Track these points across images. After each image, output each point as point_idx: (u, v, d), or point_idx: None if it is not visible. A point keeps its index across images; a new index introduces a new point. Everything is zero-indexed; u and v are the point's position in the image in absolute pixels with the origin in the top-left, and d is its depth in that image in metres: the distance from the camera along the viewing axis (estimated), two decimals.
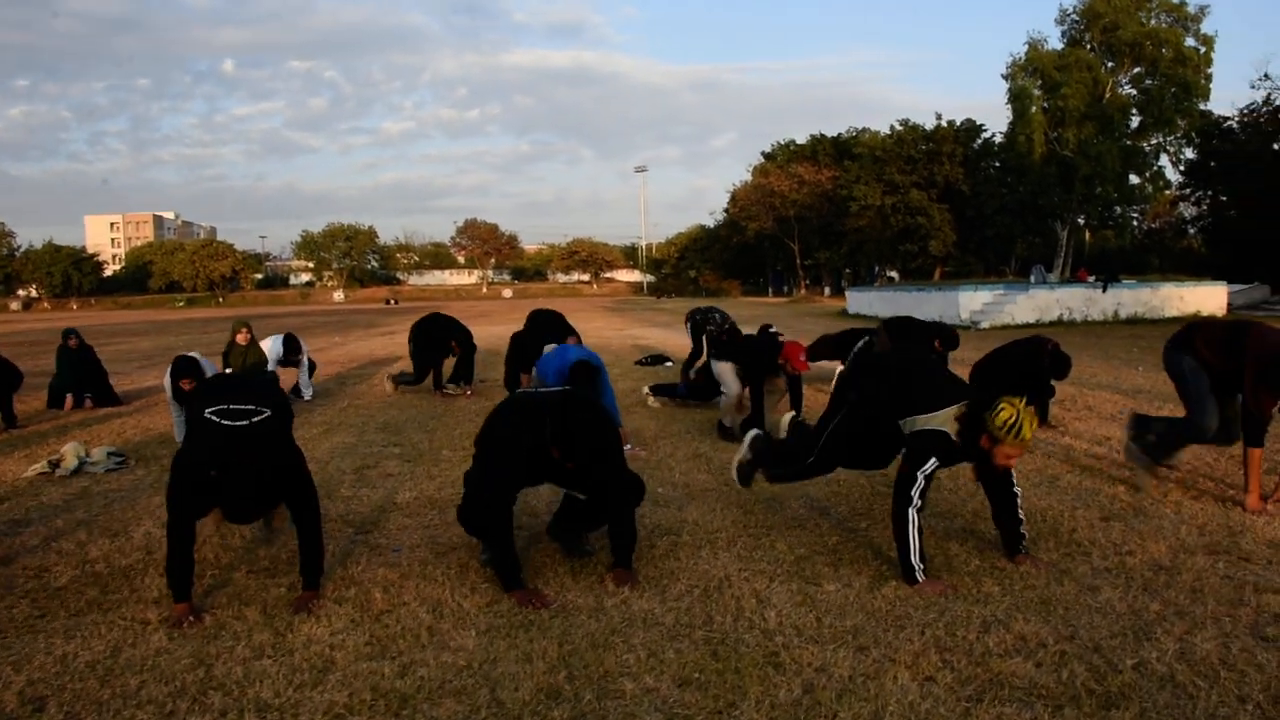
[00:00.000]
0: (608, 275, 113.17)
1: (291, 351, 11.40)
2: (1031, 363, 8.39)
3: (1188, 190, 48.61)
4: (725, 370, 8.55)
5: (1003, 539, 4.73)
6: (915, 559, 4.34)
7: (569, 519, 4.90)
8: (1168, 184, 50.69)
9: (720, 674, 3.42)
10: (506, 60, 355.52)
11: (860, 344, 10.73)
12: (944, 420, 4.42)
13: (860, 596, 4.20)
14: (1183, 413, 6.04)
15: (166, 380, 8.08)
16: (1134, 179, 49.77)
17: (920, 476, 4.37)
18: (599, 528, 4.81)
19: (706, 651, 3.63)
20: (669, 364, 15.81)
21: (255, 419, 4.27)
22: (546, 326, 11.07)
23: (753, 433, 5.66)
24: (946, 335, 10.44)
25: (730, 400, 8.53)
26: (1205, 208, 46.99)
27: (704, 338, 11.40)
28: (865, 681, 3.32)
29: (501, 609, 4.16)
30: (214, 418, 4.23)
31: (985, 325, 24.71)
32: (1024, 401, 4.27)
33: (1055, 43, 49.00)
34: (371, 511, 6.06)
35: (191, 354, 8.27)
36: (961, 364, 10.01)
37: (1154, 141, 48.84)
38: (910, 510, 4.36)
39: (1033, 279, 31.40)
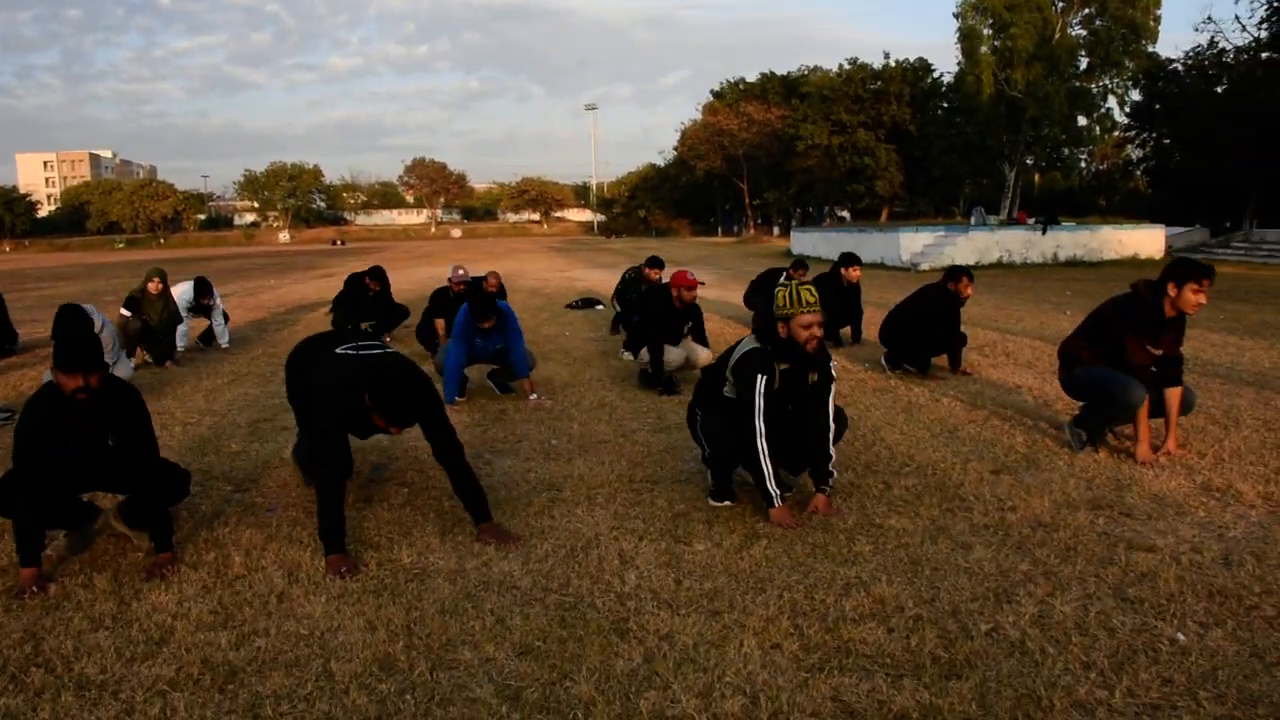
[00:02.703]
0: (558, 215, 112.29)
1: (202, 295, 11.02)
2: (943, 306, 8.34)
3: (1133, 132, 48.82)
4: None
5: (810, 472, 4.78)
6: (771, 486, 4.44)
7: None
8: (1115, 125, 50.81)
9: (563, 642, 3.30)
10: None
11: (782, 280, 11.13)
12: (749, 339, 4.62)
13: (727, 557, 4.08)
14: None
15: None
16: (1081, 120, 49.81)
17: (757, 399, 4.42)
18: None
19: (555, 618, 3.51)
20: (600, 306, 15.68)
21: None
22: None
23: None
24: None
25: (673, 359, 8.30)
26: (1150, 150, 47.25)
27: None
28: (708, 650, 3.20)
29: (357, 573, 4.01)
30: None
31: (925, 267, 24.72)
32: (793, 281, 4.62)
33: None
34: (255, 468, 5.87)
35: (80, 304, 7.97)
36: (883, 306, 9.99)
37: (1102, 83, 48.79)
38: (759, 441, 4.42)
39: (973, 220, 31.47)
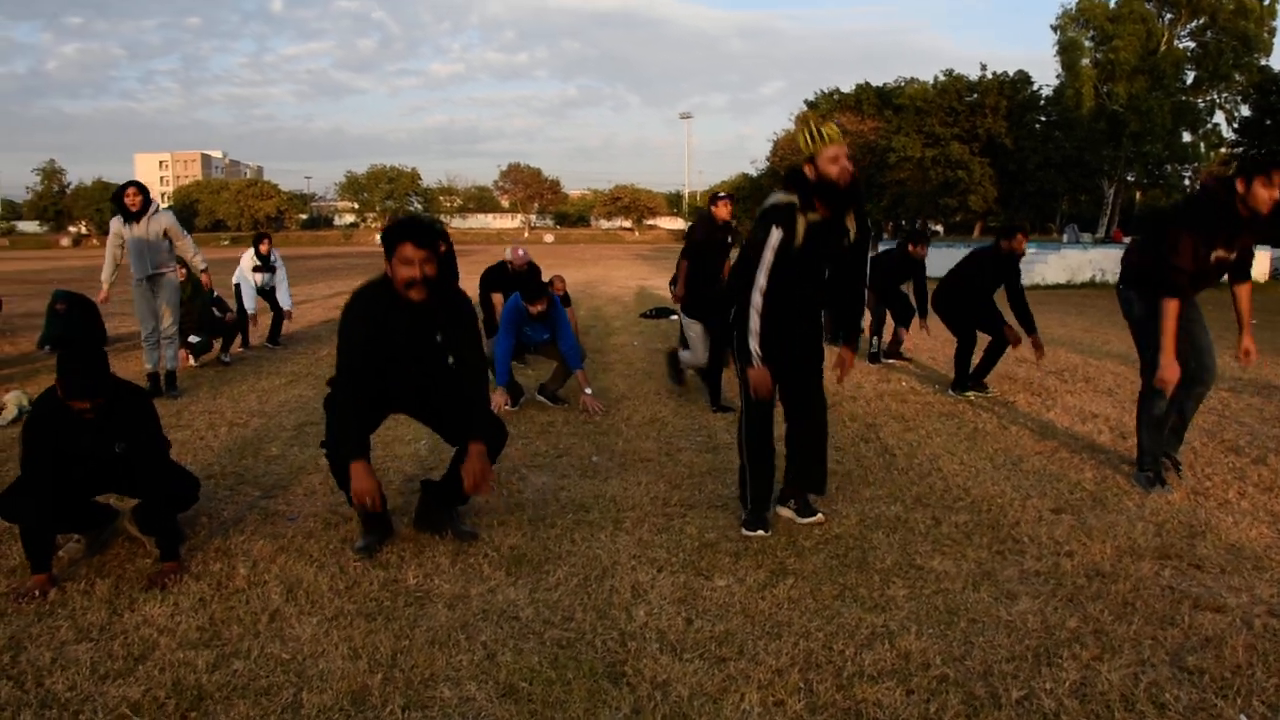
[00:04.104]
0: (650, 222, 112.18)
1: (260, 242, 11.39)
2: (997, 266, 8.11)
3: (1241, 149, 47.00)
4: (695, 332, 7.99)
5: (840, 335, 4.77)
6: (753, 344, 4.31)
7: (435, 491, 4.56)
8: (1221, 141, 48.97)
9: (550, 684, 3.05)
10: (554, 2, 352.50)
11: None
12: (777, 193, 4.38)
13: (748, 595, 3.79)
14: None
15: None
16: (1186, 136, 48.14)
17: (766, 250, 4.26)
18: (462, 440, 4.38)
19: (548, 656, 3.25)
20: (674, 317, 15.41)
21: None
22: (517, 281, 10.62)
23: None
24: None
25: (694, 359, 8.00)
26: None
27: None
28: (704, 703, 2.92)
29: (357, 593, 3.83)
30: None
31: None
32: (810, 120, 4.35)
33: None
34: (288, 473, 5.74)
35: None
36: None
37: (1209, 98, 47.15)
38: (755, 294, 4.28)
39: (1065, 238, 30.47)
